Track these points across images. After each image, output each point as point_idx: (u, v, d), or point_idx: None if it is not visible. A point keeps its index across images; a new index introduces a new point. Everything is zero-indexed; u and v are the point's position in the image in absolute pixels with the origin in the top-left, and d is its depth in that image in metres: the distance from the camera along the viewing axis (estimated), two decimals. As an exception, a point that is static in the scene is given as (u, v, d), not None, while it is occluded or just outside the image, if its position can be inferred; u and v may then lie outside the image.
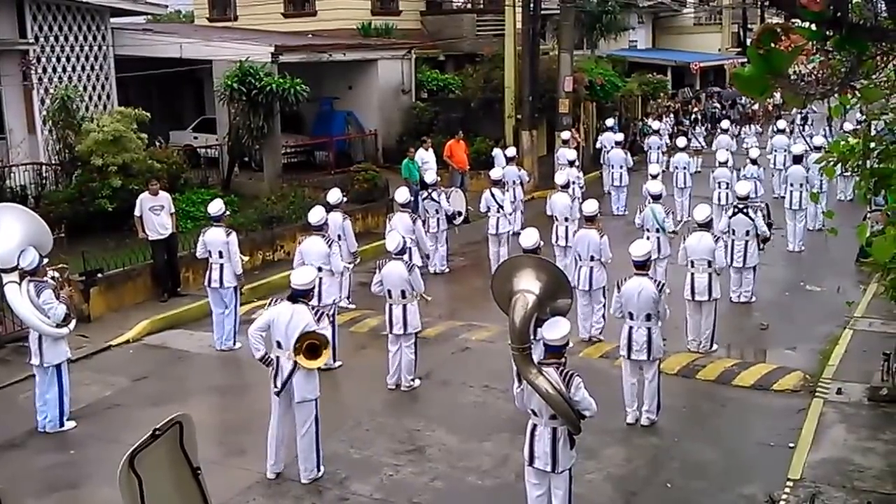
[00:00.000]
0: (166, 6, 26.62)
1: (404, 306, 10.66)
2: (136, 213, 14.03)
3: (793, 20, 3.42)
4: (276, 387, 8.49)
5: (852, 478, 8.46)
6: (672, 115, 31.92)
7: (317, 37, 24.99)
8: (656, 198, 14.15)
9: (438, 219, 16.00)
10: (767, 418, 9.97)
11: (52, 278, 9.89)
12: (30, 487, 8.65)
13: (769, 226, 14.35)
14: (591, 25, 33.00)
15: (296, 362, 8.26)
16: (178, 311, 13.68)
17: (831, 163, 5.80)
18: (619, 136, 22.89)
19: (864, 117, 8.30)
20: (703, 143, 27.32)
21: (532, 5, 23.20)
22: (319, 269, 10.98)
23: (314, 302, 9.72)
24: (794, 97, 3.75)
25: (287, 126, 21.85)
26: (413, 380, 10.83)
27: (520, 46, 23.50)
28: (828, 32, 3.41)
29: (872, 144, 5.83)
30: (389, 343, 10.84)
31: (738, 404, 10.37)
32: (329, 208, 12.84)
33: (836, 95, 4.07)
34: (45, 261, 9.91)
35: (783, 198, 17.76)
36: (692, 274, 11.86)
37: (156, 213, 13.97)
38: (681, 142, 21.59)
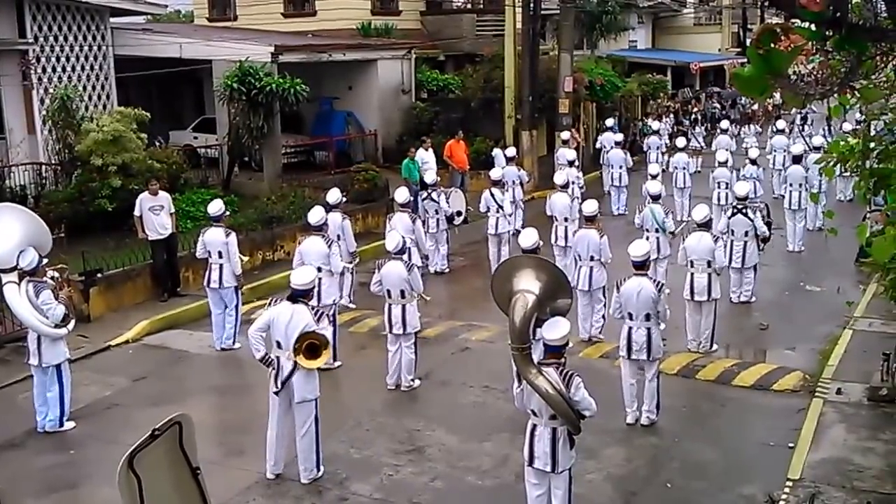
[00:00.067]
0: (166, 6, 26.54)
1: (403, 306, 10.65)
2: (136, 213, 14.03)
3: (792, 20, 3.42)
4: (275, 387, 8.49)
5: (852, 478, 8.46)
6: (672, 116, 31.91)
7: (317, 37, 24.97)
8: (656, 198, 14.15)
9: (438, 219, 16.00)
10: (767, 418, 9.97)
11: (52, 278, 9.89)
12: (29, 487, 8.65)
13: (769, 226, 14.33)
14: (590, 25, 33.01)
15: (296, 362, 8.26)
16: (177, 311, 13.68)
17: (831, 163, 5.80)
18: (619, 137, 22.86)
19: (863, 117, 8.30)
20: (703, 144, 27.31)
21: (532, 5, 23.19)
22: (319, 270, 10.99)
23: (314, 302, 9.72)
24: (793, 97, 3.75)
25: (287, 126, 21.84)
26: (413, 380, 10.83)
27: (520, 46, 23.49)
28: (827, 32, 3.41)
29: (872, 144, 5.83)
30: (389, 343, 10.84)
31: (737, 404, 10.37)
32: (329, 208, 12.84)
33: (835, 95, 4.07)
34: (45, 261, 9.92)
35: (783, 198, 17.76)
36: (692, 274, 11.87)
37: (155, 213, 13.97)
38: (680, 142, 21.59)
